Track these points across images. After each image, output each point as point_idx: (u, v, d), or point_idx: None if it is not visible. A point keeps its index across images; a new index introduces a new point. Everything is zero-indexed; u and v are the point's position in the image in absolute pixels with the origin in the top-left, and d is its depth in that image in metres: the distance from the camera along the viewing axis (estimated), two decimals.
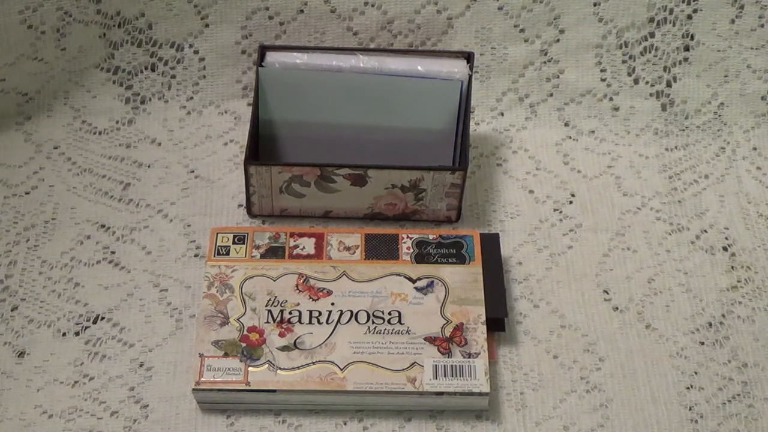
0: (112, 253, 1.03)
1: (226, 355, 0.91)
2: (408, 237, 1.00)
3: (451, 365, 0.91)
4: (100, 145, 1.12)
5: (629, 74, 1.15)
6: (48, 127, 1.13)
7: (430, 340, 0.93)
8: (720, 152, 1.15)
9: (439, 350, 0.92)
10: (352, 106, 1.05)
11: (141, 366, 0.95)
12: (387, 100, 1.05)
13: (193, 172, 1.11)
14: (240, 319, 0.94)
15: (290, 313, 0.94)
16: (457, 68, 1.05)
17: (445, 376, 0.90)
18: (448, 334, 0.93)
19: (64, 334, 0.97)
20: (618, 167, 1.13)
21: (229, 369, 0.90)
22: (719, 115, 1.16)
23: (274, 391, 0.90)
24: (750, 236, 1.08)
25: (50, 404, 0.92)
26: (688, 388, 0.95)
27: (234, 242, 0.99)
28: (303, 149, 1.07)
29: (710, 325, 1.00)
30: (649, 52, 1.14)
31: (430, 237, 1.00)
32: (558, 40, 1.14)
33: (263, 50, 1.06)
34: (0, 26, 1.06)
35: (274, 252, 0.99)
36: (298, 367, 0.91)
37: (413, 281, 0.97)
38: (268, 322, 0.94)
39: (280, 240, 1.00)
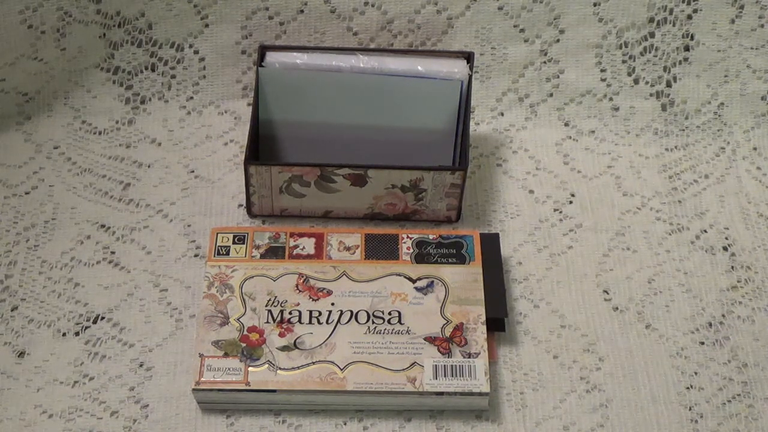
0: (112, 253, 1.03)
1: (226, 355, 0.91)
2: (408, 237, 1.00)
3: (451, 365, 0.91)
4: (100, 145, 1.12)
5: (629, 74, 1.15)
6: (48, 127, 1.13)
7: (430, 340, 0.93)
8: (720, 152, 1.15)
9: (439, 350, 0.92)
10: (352, 106, 1.05)
11: (141, 366, 0.95)
12: (387, 100, 1.05)
13: (193, 172, 1.11)
14: (240, 319, 0.94)
15: (290, 313, 0.94)
16: (457, 68, 1.05)
17: (445, 376, 0.90)
18: (448, 334, 0.93)
19: (64, 334, 0.97)
20: (618, 167, 1.13)
21: (229, 369, 0.90)
22: (719, 115, 1.16)
23: (274, 391, 0.90)
24: (750, 236, 1.08)
25: (50, 404, 0.92)
26: (688, 388, 0.95)
27: (234, 242, 0.99)
28: (303, 149, 1.07)
29: (710, 325, 1.00)
30: (649, 52, 1.14)
31: (430, 237, 1.00)
32: (558, 40, 1.14)
33: (263, 50, 1.06)
34: (0, 26, 1.06)
35: (274, 252, 0.99)
36: (298, 367, 0.91)
37: (413, 281, 0.97)
38: (268, 322, 0.94)
39: (280, 240, 1.00)
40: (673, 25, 1.13)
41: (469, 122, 1.05)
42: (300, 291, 0.96)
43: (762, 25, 1.13)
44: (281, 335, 0.93)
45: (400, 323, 0.94)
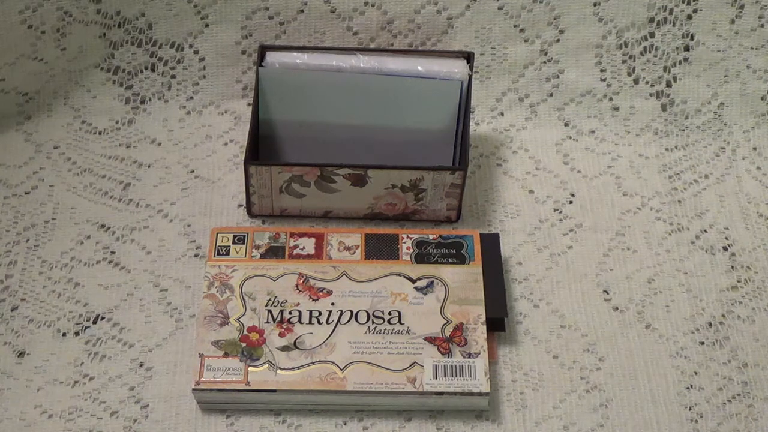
0: (112, 253, 1.03)
1: (226, 355, 0.91)
2: (408, 237, 1.00)
3: (451, 365, 0.91)
4: (100, 145, 1.12)
5: (629, 74, 1.15)
6: (48, 127, 1.13)
7: (430, 340, 0.93)
8: (720, 152, 1.15)
9: (439, 350, 0.92)
10: (352, 106, 1.05)
11: (141, 366, 0.95)
12: (387, 100, 1.05)
13: (193, 172, 1.11)
14: (240, 319, 0.94)
15: (290, 313, 0.94)
16: (457, 68, 1.05)
17: (445, 376, 0.90)
18: (448, 334, 0.93)
19: (64, 334, 0.97)
20: (618, 167, 1.13)
21: (229, 369, 0.90)
22: (719, 115, 1.16)
23: (274, 391, 0.90)
24: (750, 236, 1.08)
25: (50, 404, 0.92)
26: (688, 388, 0.95)
27: (234, 242, 0.99)
28: (303, 149, 1.07)
29: (710, 325, 1.00)
30: (649, 52, 1.14)
31: (430, 237, 1.00)
32: (558, 40, 1.14)
33: (263, 50, 1.06)
34: (0, 26, 1.06)
35: (274, 252, 0.99)
36: (298, 367, 0.91)
37: (413, 281, 0.97)
38: (268, 322, 0.94)
39: (280, 240, 1.00)
40: (673, 25, 1.13)
41: (469, 122, 1.05)
42: (300, 291, 0.96)
43: (762, 25, 1.13)
44: (281, 335, 0.93)
45: (400, 323, 0.94)
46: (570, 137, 1.15)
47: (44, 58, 1.10)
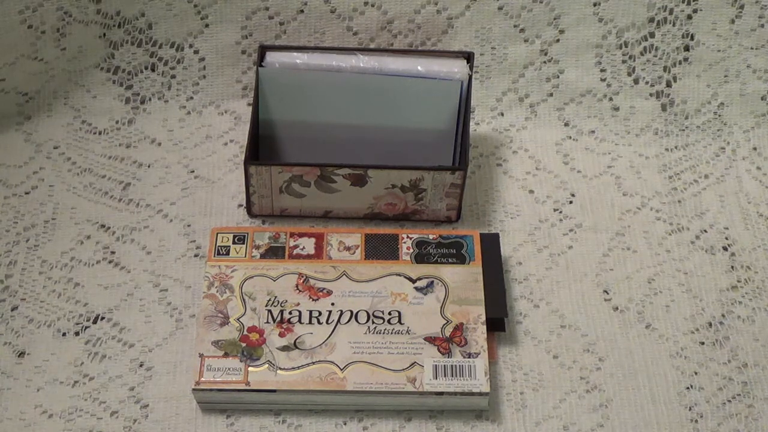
0: (112, 253, 1.03)
1: (226, 355, 0.91)
2: (408, 237, 1.00)
3: (451, 365, 0.91)
4: (100, 145, 1.12)
5: (629, 74, 1.15)
6: (48, 127, 1.13)
7: (430, 340, 0.93)
8: (720, 152, 1.15)
9: (439, 350, 0.92)
10: (352, 106, 1.05)
11: (141, 366, 0.95)
12: (387, 100, 1.05)
13: (193, 172, 1.11)
14: (240, 319, 0.94)
15: (290, 313, 0.94)
16: (457, 68, 1.04)
17: (445, 376, 0.90)
18: (448, 334, 0.93)
19: (64, 334, 0.97)
20: (618, 167, 1.13)
21: (229, 369, 0.90)
22: (719, 115, 1.16)
23: (274, 391, 0.90)
24: (750, 236, 1.08)
25: (50, 404, 0.92)
26: (688, 388, 0.95)
27: (234, 242, 0.99)
28: (303, 149, 1.07)
29: (710, 325, 1.00)
30: (649, 52, 1.14)
31: (430, 237, 1.00)
32: (558, 40, 1.14)
33: (263, 50, 1.06)
34: (0, 26, 1.06)
35: (274, 252, 0.99)
36: (298, 367, 0.91)
37: (413, 281, 0.97)
38: (268, 322, 0.94)
39: (280, 240, 1.00)
40: (673, 25, 1.13)
41: (469, 122, 1.05)
42: (300, 291, 0.96)
43: (762, 25, 1.13)
44: (281, 335, 0.93)
45: (400, 323, 0.94)
46: (570, 137, 1.15)
47: (44, 58, 1.10)
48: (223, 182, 1.10)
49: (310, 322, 0.94)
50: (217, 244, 0.99)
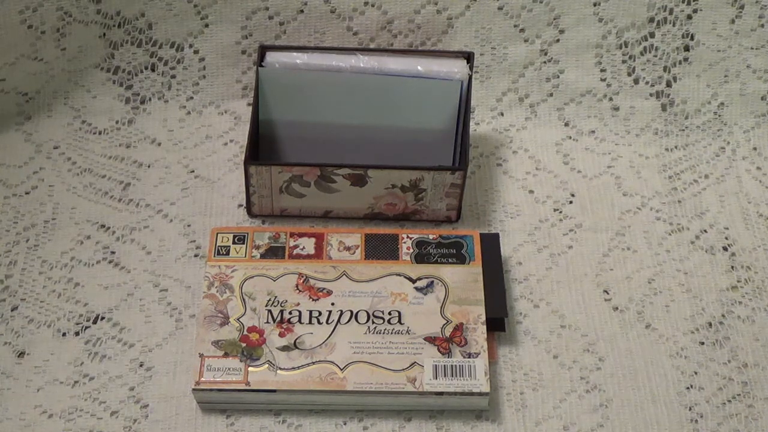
0: (112, 253, 1.03)
1: (226, 355, 0.91)
2: (408, 237, 1.00)
3: (451, 365, 0.91)
4: (100, 145, 1.12)
5: (629, 74, 1.15)
6: (48, 127, 1.13)
7: (430, 340, 0.93)
8: (720, 152, 1.15)
9: (439, 350, 0.92)
10: (352, 106, 1.05)
11: (141, 366, 0.95)
12: (387, 100, 1.05)
13: (193, 172, 1.11)
14: (240, 319, 0.94)
15: (290, 313, 0.94)
16: (457, 68, 1.04)
17: (445, 376, 0.90)
18: (448, 334, 0.93)
19: (64, 334, 0.97)
20: (618, 167, 1.13)
21: (229, 369, 0.90)
22: (719, 115, 1.16)
23: (274, 391, 0.90)
24: (750, 236, 1.08)
25: (50, 404, 0.92)
26: (688, 388, 0.95)
27: (234, 242, 0.99)
28: (303, 149, 1.07)
29: (710, 325, 1.00)
30: (649, 52, 1.14)
31: (430, 237, 1.00)
32: (558, 40, 1.14)
33: (263, 50, 1.06)
34: (0, 26, 1.06)
35: (274, 252, 0.99)
36: (298, 367, 0.91)
37: (413, 281, 0.97)
38: (268, 322, 0.94)
39: (280, 240, 1.00)
40: (673, 25, 1.13)
41: (469, 122, 1.05)
42: (300, 291, 0.96)
43: (762, 25, 1.13)
44: (281, 335, 0.93)
45: (400, 323, 0.94)
46: (570, 137, 1.15)
47: (44, 58, 1.10)
48: (223, 182, 1.10)
49: (310, 322, 0.94)
50: (217, 244, 0.99)
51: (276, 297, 0.95)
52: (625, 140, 1.15)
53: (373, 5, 1.12)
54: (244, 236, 1.00)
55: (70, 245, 1.03)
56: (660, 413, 0.93)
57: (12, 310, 0.98)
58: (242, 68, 1.15)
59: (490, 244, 1.01)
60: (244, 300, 0.95)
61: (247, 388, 0.89)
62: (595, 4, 1.12)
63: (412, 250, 0.99)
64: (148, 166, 1.11)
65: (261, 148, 1.07)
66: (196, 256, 1.03)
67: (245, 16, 1.12)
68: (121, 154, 1.12)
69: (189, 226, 1.06)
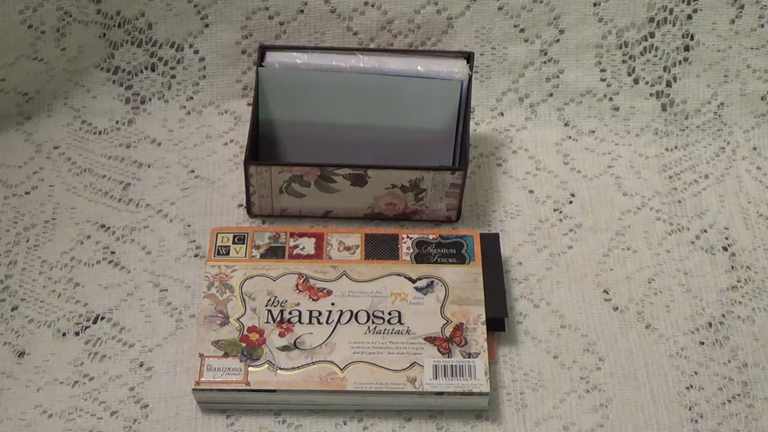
0: (112, 253, 1.03)
1: (226, 355, 0.91)
2: (408, 237, 1.00)
3: (451, 365, 0.91)
4: (100, 145, 1.12)
5: (629, 74, 1.15)
6: (48, 127, 1.13)
7: (430, 340, 0.93)
8: (720, 152, 1.15)
9: (439, 350, 0.92)
10: (352, 106, 1.05)
11: (141, 366, 0.95)
12: (387, 100, 1.05)
13: (193, 172, 1.11)
14: (240, 319, 0.94)
15: (290, 313, 0.94)
16: (457, 68, 1.05)
17: (445, 376, 0.90)
18: (448, 334, 0.93)
19: (64, 334, 0.97)
20: (618, 167, 1.13)
21: (229, 369, 0.90)
22: (719, 115, 1.16)
23: (274, 391, 0.90)
24: (750, 236, 1.08)
25: (50, 404, 0.92)
26: (688, 388, 0.95)
27: (234, 242, 0.99)
28: (303, 149, 1.07)
29: (710, 325, 1.00)
30: (649, 52, 1.14)
31: (430, 237, 1.00)
32: (558, 40, 1.14)
33: (263, 50, 1.06)
34: (0, 26, 1.06)
35: (274, 252, 0.99)
36: (298, 367, 0.91)
37: (413, 281, 0.97)
38: (268, 322, 0.94)
39: (280, 240, 1.00)
40: (673, 25, 1.13)
41: (469, 122, 1.05)
42: (300, 291, 0.96)
43: (762, 25, 1.13)
44: (281, 335, 0.93)
45: (400, 323, 0.94)
46: (570, 137, 1.15)
47: (44, 58, 1.10)
48: (223, 182, 1.10)
49: (310, 322, 0.94)
50: (217, 244, 0.99)
51: (276, 297, 0.95)
52: (625, 140, 1.15)
53: (373, 5, 1.12)
54: (244, 236, 1.00)
55: (70, 245, 1.03)
56: (660, 413, 0.93)
57: (12, 310, 0.98)
58: (242, 68, 1.15)
59: (490, 244, 1.01)
60: (244, 300, 0.95)
61: (247, 388, 0.89)
62: (595, 4, 1.12)
63: (412, 250, 0.99)
64: (148, 166, 1.11)
65: (261, 148, 1.07)
66: (196, 256, 1.03)
67: (245, 16, 1.12)
68: (121, 154, 1.12)
69: (189, 226, 1.06)
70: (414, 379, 0.90)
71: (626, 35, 1.14)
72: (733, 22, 1.13)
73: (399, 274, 0.97)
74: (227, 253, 0.98)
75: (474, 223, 1.08)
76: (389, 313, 0.94)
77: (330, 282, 0.97)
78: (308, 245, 0.99)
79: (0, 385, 0.93)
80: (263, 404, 0.92)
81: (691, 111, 1.16)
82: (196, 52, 1.14)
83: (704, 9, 1.13)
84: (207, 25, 1.12)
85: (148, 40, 1.12)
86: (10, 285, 1.00)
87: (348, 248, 0.99)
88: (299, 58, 1.05)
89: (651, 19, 1.13)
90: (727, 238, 1.07)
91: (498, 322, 0.96)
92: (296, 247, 0.99)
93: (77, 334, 0.97)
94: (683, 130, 1.16)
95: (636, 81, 1.16)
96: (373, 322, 0.94)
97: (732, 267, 1.05)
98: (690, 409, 0.94)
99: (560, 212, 1.09)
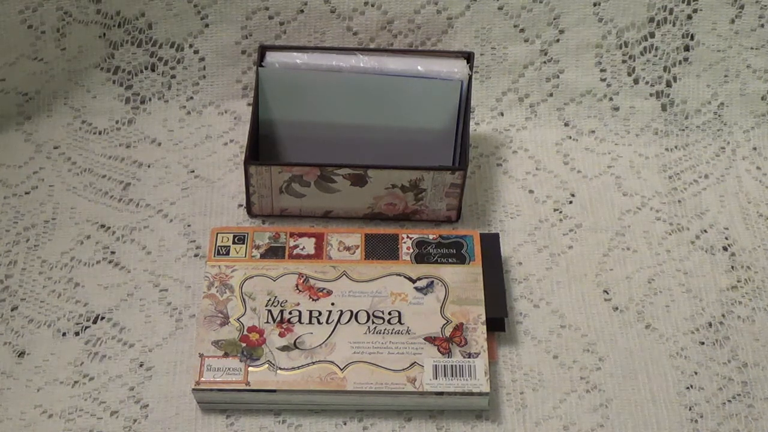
0: (112, 253, 1.03)
1: (226, 355, 0.91)
2: (408, 237, 1.00)
3: (451, 365, 0.91)
4: (100, 145, 1.12)
5: (629, 74, 1.15)
6: (48, 127, 1.13)
7: (430, 340, 0.93)
8: (720, 152, 1.15)
9: (439, 350, 0.92)
10: (352, 106, 1.05)
11: (141, 366, 0.95)
12: (387, 100, 1.05)
13: (193, 172, 1.11)
14: (240, 319, 0.94)
15: (290, 313, 0.94)
16: (457, 68, 1.05)
17: (445, 376, 0.90)
18: (448, 334, 0.93)
19: (64, 334, 0.97)
20: (618, 167, 1.13)
21: (229, 369, 0.90)
22: (719, 115, 1.16)
23: (274, 391, 0.90)
24: (750, 236, 1.08)
25: (50, 404, 0.92)
26: (688, 388, 0.95)
27: (234, 242, 0.99)
28: (303, 149, 1.07)
29: (710, 325, 1.00)
30: (649, 52, 1.14)
31: (430, 237, 1.00)
32: (558, 40, 1.14)
33: (263, 50, 1.06)
34: (0, 26, 1.06)
35: (274, 252, 0.99)
36: (298, 367, 0.91)
37: (413, 281, 0.97)
38: (268, 322, 0.94)
39: (280, 240, 1.00)
40: (673, 25, 1.13)
41: (469, 122, 1.05)
42: (300, 291, 0.96)
43: (762, 25, 1.13)
44: (281, 335, 0.93)
45: (400, 323, 0.94)
46: (570, 137, 1.15)
47: (44, 58, 1.10)
48: (223, 182, 1.10)
49: (310, 322, 0.94)
50: (217, 244, 0.99)
51: (276, 297, 0.95)
52: (625, 140, 1.15)
53: (373, 5, 1.12)
54: (244, 236, 1.00)
55: (70, 245, 1.03)
56: (660, 413, 0.93)
57: (12, 310, 0.98)
58: (242, 68, 1.15)
59: (490, 244, 1.01)
60: (244, 300, 0.95)
61: (247, 388, 0.89)
62: (595, 4, 1.12)
63: (412, 250, 0.99)
64: (148, 166, 1.11)
65: (261, 148, 1.07)
66: (196, 256, 1.03)
67: (245, 16, 1.12)
68: (121, 154, 1.12)
69: (189, 226, 1.06)
70: (414, 379, 0.90)
71: (626, 35, 1.14)
72: (733, 22, 1.13)
73: (399, 274, 0.97)
74: (227, 253, 0.98)
75: (474, 223, 1.08)
76: (389, 313, 0.94)
77: (330, 282, 0.97)
78: (308, 245, 0.99)
79: (0, 385, 0.93)
80: (263, 404, 0.92)
81: (691, 111, 1.16)
82: (196, 52, 1.14)
83: (704, 9, 1.13)
84: (207, 25, 1.12)
85: (148, 40, 1.12)
86: (10, 285, 1.00)
87: (348, 248, 0.99)
88: (299, 58, 1.05)
89: (651, 19, 1.13)
90: (727, 238, 1.07)
91: (498, 322, 0.96)
92: (296, 247, 0.99)
93: (77, 334, 0.97)
94: (683, 130, 1.16)
95: (636, 81, 1.16)
96: (373, 322, 0.94)
97: (732, 267, 1.05)
98: (690, 409, 0.94)
99: (560, 212, 1.09)
